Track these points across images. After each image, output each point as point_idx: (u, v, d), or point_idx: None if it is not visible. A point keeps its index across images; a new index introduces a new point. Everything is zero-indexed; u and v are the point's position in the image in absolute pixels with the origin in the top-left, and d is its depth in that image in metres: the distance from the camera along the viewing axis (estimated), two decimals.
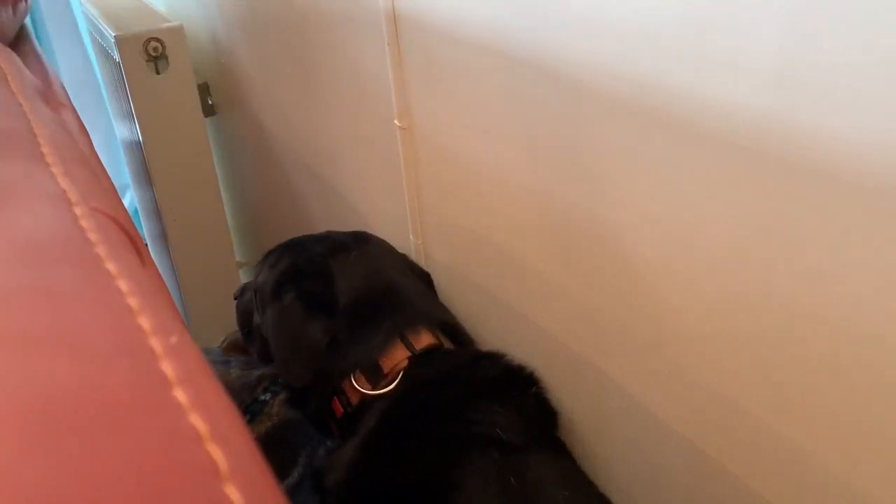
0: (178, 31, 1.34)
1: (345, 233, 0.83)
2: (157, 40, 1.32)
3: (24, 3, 0.98)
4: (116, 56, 1.33)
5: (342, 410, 0.69)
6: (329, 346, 0.69)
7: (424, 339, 0.70)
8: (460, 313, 0.78)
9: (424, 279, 0.83)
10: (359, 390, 0.67)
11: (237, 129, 1.49)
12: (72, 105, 0.82)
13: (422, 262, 0.85)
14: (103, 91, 1.87)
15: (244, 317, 0.86)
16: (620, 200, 0.53)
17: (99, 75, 1.84)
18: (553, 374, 0.68)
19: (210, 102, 1.53)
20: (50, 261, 0.20)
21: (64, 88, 0.93)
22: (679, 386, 0.54)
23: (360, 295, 0.72)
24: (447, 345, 0.72)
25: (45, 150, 0.28)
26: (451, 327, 0.74)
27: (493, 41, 0.60)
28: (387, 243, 0.83)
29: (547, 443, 0.66)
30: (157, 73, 1.35)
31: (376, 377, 0.67)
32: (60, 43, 1.84)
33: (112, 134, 1.88)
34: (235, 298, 0.89)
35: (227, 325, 0.95)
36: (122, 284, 0.20)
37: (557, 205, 0.59)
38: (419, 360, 0.68)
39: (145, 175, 1.46)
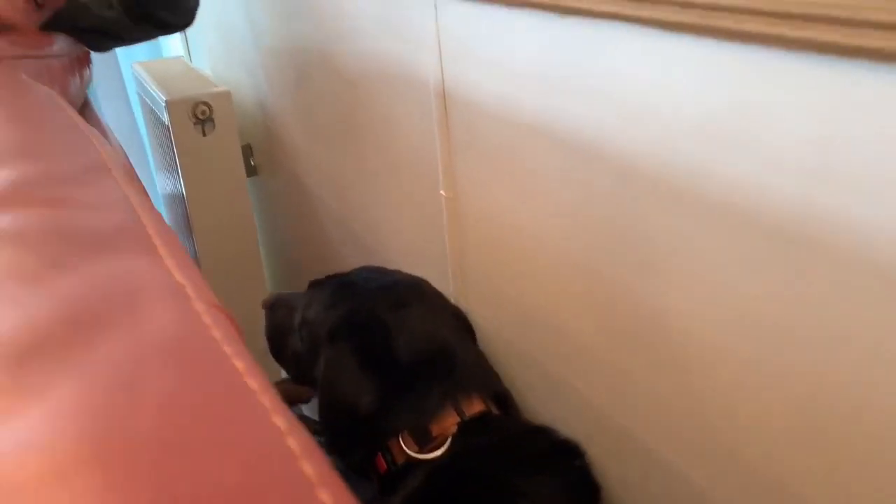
0: (225, 96, 1.39)
1: (402, 279, 0.84)
2: (206, 104, 1.37)
3: (88, 70, 1.03)
4: (166, 118, 1.39)
5: (386, 467, 0.69)
6: (379, 404, 0.70)
7: (475, 406, 0.70)
8: (503, 379, 0.79)
9: (473, 335, 0.84)
10: (405, 451, 0.68)
11: (279, 189, 1.54)
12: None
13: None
14: (146, 145, 1.94)
15: (275, 332, 0.87)
16: (672, 281, 0.54)
17: (143, 130, 1.91)
18: (598, 446, 0.69)
19: (252, 163, 1.58)
20: (187, 362, 0.21)
21: (122, 148, 0.97)
22: (729, 466, 0.54)
23: (415, 355, 0.73)
24: (496, 412, 0.73)
25: (156, 242, 0.30)
26: (501, 396, 0.75)
27: (542, 123, 0.62)
28: (441, 296, 0.84)
29: None
30: (204, 135, 1.40)
31: (424, 440, 0.68)
32: (108, 101, 1.91)
33: (152, 184, 1.93)
34: (265, 308, 0.91)
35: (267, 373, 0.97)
36: (252, 383, 0.22)
37: (606, 280, 0.61)
38: (468, 426, 0.68)
39: (186, 226, 1.50)
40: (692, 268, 0.52)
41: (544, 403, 0.76)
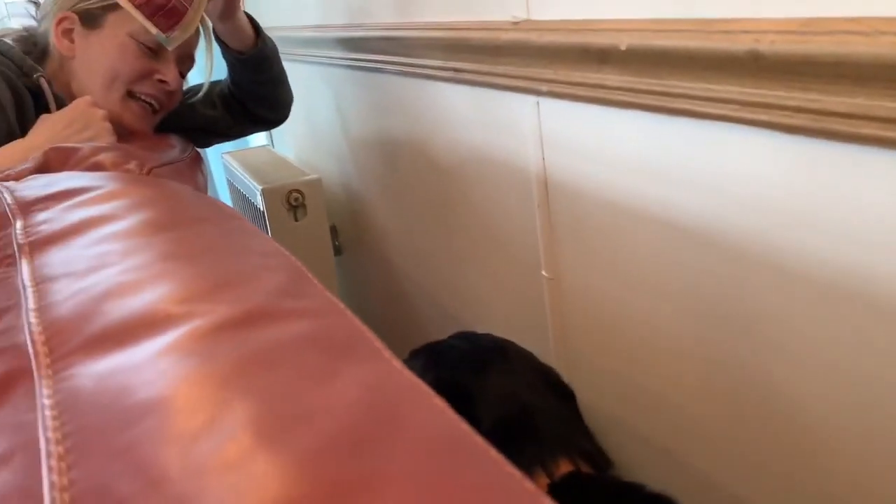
0: (316, 184, 1.48)
1: (487, 343, 0.87)
2: (299, 191, 1.46)
3: (205, 166, 1.12)
4: (261, 205, 1.48)
5: None
6: None
7: (563, 467, 0.73)
8: (614, 459, 0.82)
9: (568, 397, 0.85)
10: None
11: (364, 269, 1.61)
12: None
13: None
14: None
15: None
16: (790, 360, 0.57)
17: None
18: None
19: (336, 243, 1.66)
20: (463, 451, 0.26)
21: None
22: None
23: (497, 420, 0.75)
24: (586, 469, 0.75)
25: (376, 344, 0.36)
26: (589, 454, 0.77)
27: (647, 211, 0.67)
28: (526, 356, 0.86)
29: None
30: (296, 220, 1.48)
31: None
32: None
33: None
34: None
35: None
36: (510, 469, 0.27)
37: (720, 360, 0.64)
38: (559, 487, 0.71)
39: None
40: (804, 346, 0.55)
41: (657, 479, 0.79)
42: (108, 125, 0.94)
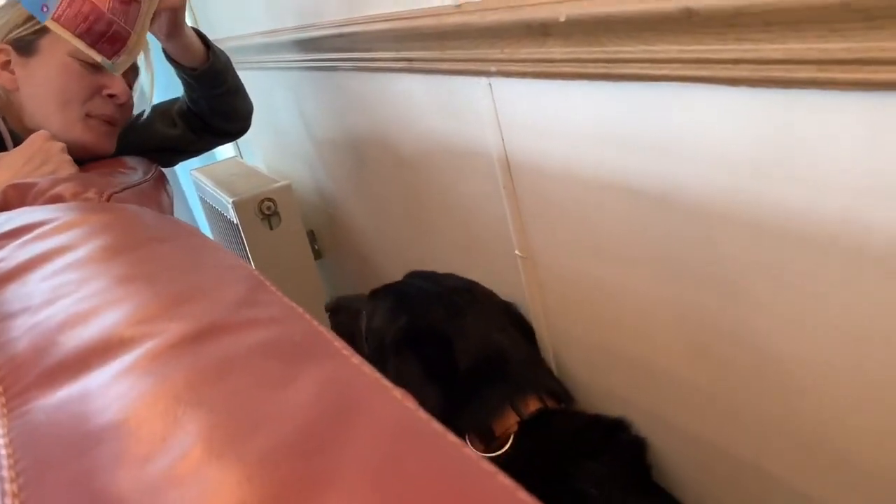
0: (286, 189, 1.47)
1: (454, 284, 0.91)
2: (270, 200, 1.45)
3: (169, 186, 1.11)
4: (234, 217, 1.47)
5: None
6: (445, 408, 0.78)
7: (532, 405, 0.78)
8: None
9: (528, 332, 0.90)
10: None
11: (346, 270, 1.60)
12: None
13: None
14: None
15: (340, 336, 0.94)
16: (762, 305, 0.58)
17: (207, 232, 2.01)
18: (712, 478, 0.72)
19: (316, 247, 1.65)
20: (423, 438, 0.27)
21: None
22: (842, 469, 0.57)
23: (473, 362, 0.81)
24: (552, 405, 0.80)
25: (336, 344, 0.36)
26: (554, 391, 0.82)
27: (608, 179, 0.67)
28: (493, 296, 0.91)
29: (644, 489, 0.74)
30: (271, 228, 1.48)
31: (489, 440, 0.77)
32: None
33: None
34: (328, 311, 1.00)
35: None
36: (468, 452, 0.27)
37: (695, 314, 0.65)
38: (528, 424, 0.76)
39: None
40: (780, 292, 0.56)
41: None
42: (67, 157, 0.93)
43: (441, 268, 1.11)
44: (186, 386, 0.29)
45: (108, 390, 0.30)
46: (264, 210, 1.46)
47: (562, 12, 0.60)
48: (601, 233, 0.72)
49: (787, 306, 0.56)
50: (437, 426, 0.28)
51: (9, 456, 0.27)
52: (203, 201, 1.82)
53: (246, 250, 1.49)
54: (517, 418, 0.76)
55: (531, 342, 0.89)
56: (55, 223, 0.55)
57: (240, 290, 0.42)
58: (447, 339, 0.82)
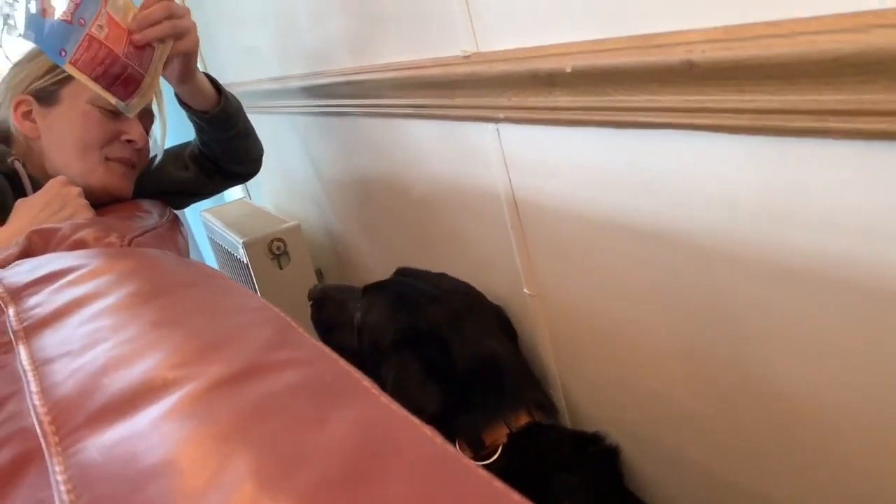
0: (296, 229, 1.50)
1: (452, 288, 0.93)
2: (280, 240, 1.48)
3: (184, 227, 1.14)
4: (244, 258, 1.50)
5: None
6: (442, 410, 0.80)
7: (522, 419, 0.81)
8: None
9: (514, 338, 0.93)
10: None
11: None
12: None
13: (566, 417, 0.92)
14: None
15: (324, 324, 1.00)
16: (762, 339, 0.60)
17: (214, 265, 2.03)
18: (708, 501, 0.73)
19: None
20: (455, 477, 0.28)
21: None
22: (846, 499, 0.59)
23: (469, 365, 0.83)
24: (540, 418, 0.83)
25: (364, 383, 0.38)
26: (542, 405, 0.84)
27: (614, 220, 0.70)
28: (486, 301, 0.94)
29: (616, 498, 0.78)
30: (280, 268, 1.50)
31: (479, 448, 0.79)
32: None
33: None
34: (311, 299, 1.02)
35: None
36: (498, 484, 0.29)
37: (699, 349, 0.67)
38: (517, 437, 0.79)
39: None
40: (781, 327, 0.58)
41: (657, 479, 0.81)
42: (84, 202, 0.96)
43: None
44: (230, 426, 0.31)
45: (155, 430, 0.32)
46: (274, 250, 1.48)
47: (568, 63, 0.63)
48: (607, 271, 0.74)
49: (786, 341, 0.58)
50: (466, 461, 0.30)
51: (69, 491, 0.29)
52: (213, 242, 1.85)
53: (255, 289, 1.51)
54: (507, 430, 0.80)
55: (519, 349, 0.93)
56: (85, 269, 0.57)
57: (269, 333, 0.44)
58: (445, 341, 0.84)
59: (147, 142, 1.11)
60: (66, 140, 1.03)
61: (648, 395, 0.77)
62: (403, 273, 1.00)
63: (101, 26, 0.86)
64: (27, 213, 0.94)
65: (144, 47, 0.92)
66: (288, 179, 1.70)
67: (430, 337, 0.86)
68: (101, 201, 1.03)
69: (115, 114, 1.03)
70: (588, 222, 0.73)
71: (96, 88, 0.90)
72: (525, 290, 0.89)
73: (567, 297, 0.83)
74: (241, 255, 1.51)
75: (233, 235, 1.54)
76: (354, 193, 1.33)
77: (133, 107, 0.95)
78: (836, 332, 0.53)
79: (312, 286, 1.05)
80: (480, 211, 0.92)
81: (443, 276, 0.97)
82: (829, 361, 0.55)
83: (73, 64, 0.87)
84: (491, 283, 0.98)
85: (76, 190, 0.96)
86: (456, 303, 0.90)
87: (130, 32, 0.90)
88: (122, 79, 0.91)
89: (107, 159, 1.05)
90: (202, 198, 1.33)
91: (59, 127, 1.03)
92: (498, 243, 0.91)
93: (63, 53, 0.86)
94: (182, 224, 1.20)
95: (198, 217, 1.93)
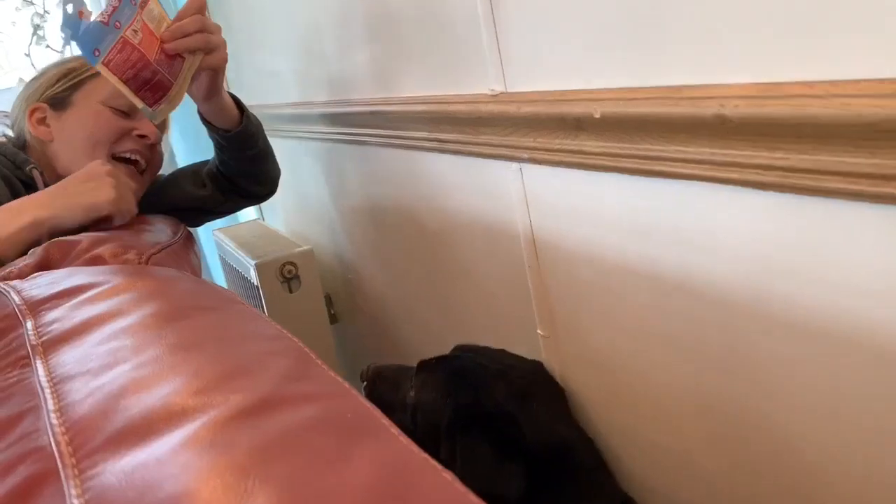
0: (309, 254, 1.50)
1: (516, 364, 0.87)
2: (292, 264, 1.48)
3: (197, 245, 1.14)
4: (254, 279, 1.50)
5: None
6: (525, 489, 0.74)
7: None
8: None
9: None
10: None
11: (361, 336, 1.62)
12: None
13: None
14: None
15: (377, 405, 0.91)
16: (778, 395, 0.59)
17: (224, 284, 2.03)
18: None
19: (332, 312, 1.67)
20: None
21: None
22: None
23: (542, 451, 0.76)
24: None
25: (383, 421, 0.38)
26: (622, 501, 0.79)
27: (635, 267, 0.69)
28: (555, 382, 0.87)
29: None
30: (290, 291, 1.50)
31: None
32: None
33: None
34: (363, 380, 0.95)
35: None
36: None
37: (715, 401, 0.66)
38: None
39: None
40: (793, 382, 0.57)
41: None
42: (112, 179, 0.96)
43: (459, 340, 1.12)
44: (251, 459, 0.31)
45: (175, 458, 0.32)
46: (285, 273, 1.48)
47: (597, 109, 0.63)
48: (624, 318, 0.74)
49: (804, 398, 0.57)
50: (475, 498, 0.30)
51: None
52: (224, 261, 1.85)
53: (264, 311, 1.51)
54: None
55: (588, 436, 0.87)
56: (105, 286, 0.57)
57: (289, 364, 0.43)
58: (515, 419, 0.77)
59: (159, 139, 1.12)
60: (76, 138, 1.05)
61: (658, 444, 0.76)
62: (461, 349, 0.93)
63: (135, 31, 0.88)
64: (59, 185, 0.94)
65: (175, 57, 0.93)
66: (302, 203, 1.71)
67: (497, 415, 0.79)
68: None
69: (126, 114, 1.05)
70: (607, 268, 0.73)
71: (125, 91, 0.91)
72: (538, 331, 0.89)
73: (581, 342, 0.83)
74: (252, 276, 1.51)
75: (244, 256, 1.55)
76: (369, 222, 1.34)
77: (159, 113, 0.96)
78: (855, 393, 0.53)
79: (366, 366, 0.98)
80: (498, 249, 0.92)
81: (502, 351, 0.91)
82: (846, 426, 0.54)
83: (106, 65, 0.88)
84: (504, 321, 0.97)
85: (106, 168, 0.97)
86: (521, 380, 0.83)
87: (163, 41, 0.91)
88: (152, 84, 0.92)
89: (114, 157, 1.06)
90: (217, 216, 1.34)
91: (71, 127, 1.06)
92: (513, 282, 0.91)
93: (97, 53, 0.87)
94: (196, 242, 1.20)
95: (210, 236, 1.94)
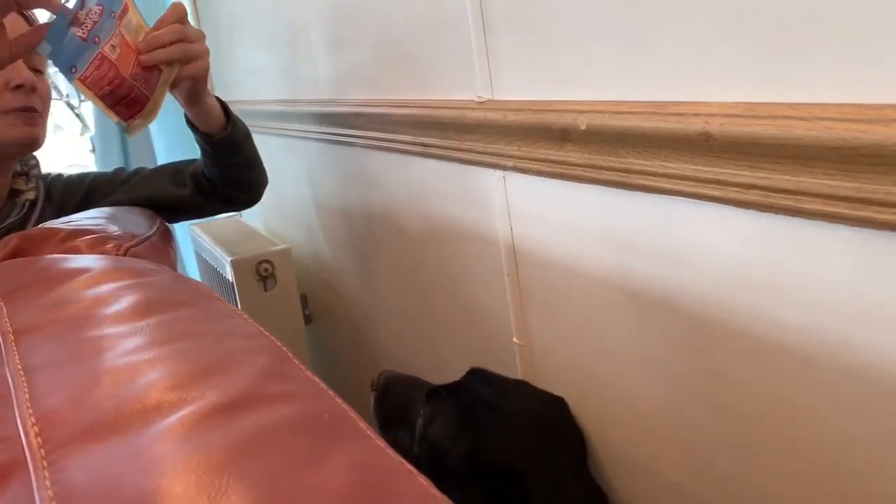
0: (286, 253, 1.49)
1: (531, 406, 0.80)
2: (268, 262, 1.47)
3: (175, 241, 1.13)
4: (230, 276, 1.49)
5: None
6: None
7: None
8: None
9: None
10: None
11: (335, 338, 1.61)
12: None
13: None
14: None
15: (384, 419, 0.91)
16: (758, 417, 0.60)
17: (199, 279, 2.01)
18: None
19: (307, 312, 1.66)
20: None
21: None
22: None
23: None
24: None
25: (359, 423, 0.37)
26: None
27: (614, 280, 0.70)
28: (574, 426, 0.81)
29: None
30: (266, 290, 1.49)
31: None
32: None
33: None
34: (373, 389, 0.93)
35: None
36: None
37: (693, 424, 0.66)
38: None
39: None
40: (772, 404, 0.58)
41: None
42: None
43: (435, 346, 1.12)
44: (225, 457, 0.31)
45: (146, 453, 0.31)
46: (261, 272, 1.47)
47: (582, 121, 0.64)
48: (600, 330, 0.74)
49: (779, 416, 0.58)
50: None
51: None
52: (199, 256, 1.83)
53: (237, 306, 1.49)
54: None
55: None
56: (83, 276, 0.56)
57: (266, 362, 0.43)
58: (523, 476, 0.73)
59: (34, 80, 1.03)
60: None
61: (633, 463, 0.76)
62: (476, 374, 0.86)
63: (113, 46, 0.87)
64: None
65: (152, 69, 0.92)
66: (281, 201, 1.70)
67: (500, 468, 0.74)
68: (19, 155, 1.04)
69: None
70: (586, 279, 0.74)
71: (100, 106, 0.90)
72: (514, 339, 0.89)
73: (557, 352, 0.83)
74: (228, 273, 1.50)
75: (221, 252, 1.53)
76: (349, 223, 1.33)
77: (134, 127, 0.95)
78: (829, 412, 0.53)
79: (378, 374, 0.94)
80: (477, 255, 0.92)
81: (522, 384, 0.85)
82: (823, 442, 0.55)
83: (82, 81, 0.87)
84: (480, 328, 0.97)
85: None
86: (533, 425, 0.78)
87: (139, 52, 0.90)
88: (128, 100, 0.91)
89: (3, 113, 1.02)
90: (195, 217, 1.30)
91: None
92: (491, 289, 0.91)
93: (74, 70, 0.87)
94: (173, 237, 1.18)
95: (186, 230, 1.92)
